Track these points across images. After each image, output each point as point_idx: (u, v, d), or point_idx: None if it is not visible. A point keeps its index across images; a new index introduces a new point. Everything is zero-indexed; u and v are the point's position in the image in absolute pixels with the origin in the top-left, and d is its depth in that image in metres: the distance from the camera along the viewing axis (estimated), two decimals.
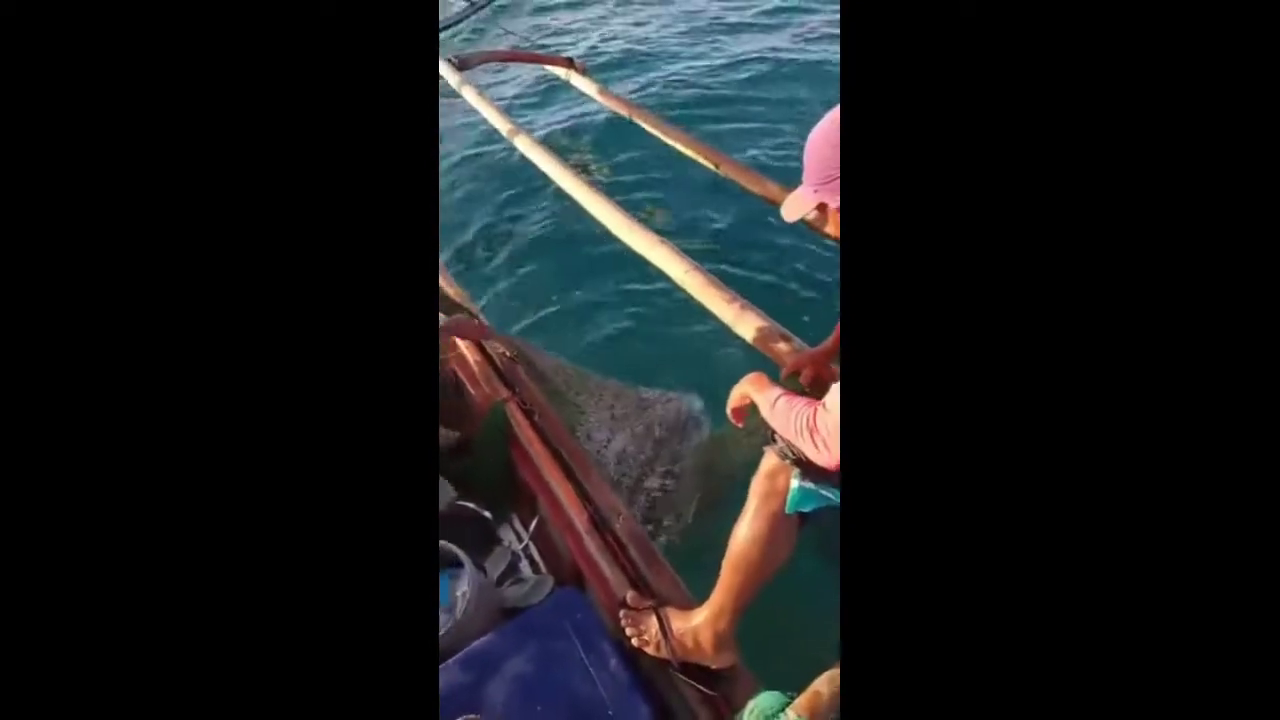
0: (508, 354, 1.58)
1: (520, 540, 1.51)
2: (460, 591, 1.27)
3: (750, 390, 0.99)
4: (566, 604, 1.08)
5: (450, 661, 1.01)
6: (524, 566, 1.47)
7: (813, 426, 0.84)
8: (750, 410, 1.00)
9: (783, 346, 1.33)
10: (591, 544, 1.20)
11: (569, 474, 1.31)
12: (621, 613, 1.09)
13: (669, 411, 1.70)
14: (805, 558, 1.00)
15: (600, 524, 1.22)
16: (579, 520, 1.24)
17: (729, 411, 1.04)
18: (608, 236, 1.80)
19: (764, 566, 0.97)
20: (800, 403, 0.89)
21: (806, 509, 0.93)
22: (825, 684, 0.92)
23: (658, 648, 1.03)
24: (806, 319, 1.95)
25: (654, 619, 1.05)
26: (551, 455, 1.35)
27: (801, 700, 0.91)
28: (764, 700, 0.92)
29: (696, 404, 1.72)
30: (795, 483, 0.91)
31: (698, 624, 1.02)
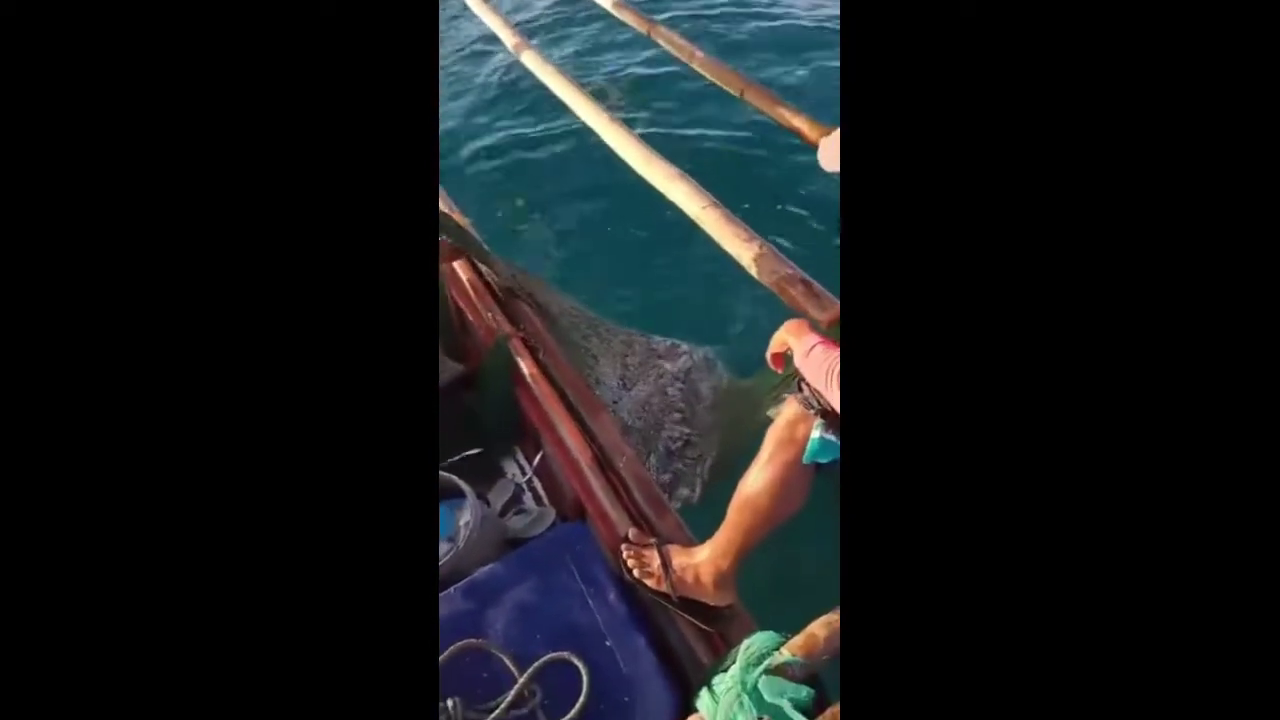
0: (513, 288, 1.53)
1: (524, 473, 1.52)
2: (463, 521, 1.29)
3: (788, 336, 0.96)
4: (568, 538, 1.09)
5: (453, 589, 1.03)
6: (527, 499, 1.49)
7: (838, 374, 0.82)
8: (788, 358, 0.98)
9: (803, 291, 1.29)
10: (595, 482, 1.21)
11: (573, 412, 1.30)
12: (623, 547, 1.10)
13: (682, 361, 1.67)
14: (817, 509, 1.00)
15: (604, 463, 1.22)
16: (583, 458, 1.24)
17: (768, 357, 1.01)
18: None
19: (773, 513, 0.97)
20: (835, 351, 0.86)
21: (823, 460, 0.91)
22: (821, 627, 0.94)
23: (658, 581, 1.05)
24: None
25: (655, 554, 1.06)
26: (556, 393, 1.33)
27: (797, 641, 0.93)
28: (759, 639, 0.94)
29: (709, 353, 1.69)
30: (817, 433, 0.90)
31: (699, 561, 1.03)
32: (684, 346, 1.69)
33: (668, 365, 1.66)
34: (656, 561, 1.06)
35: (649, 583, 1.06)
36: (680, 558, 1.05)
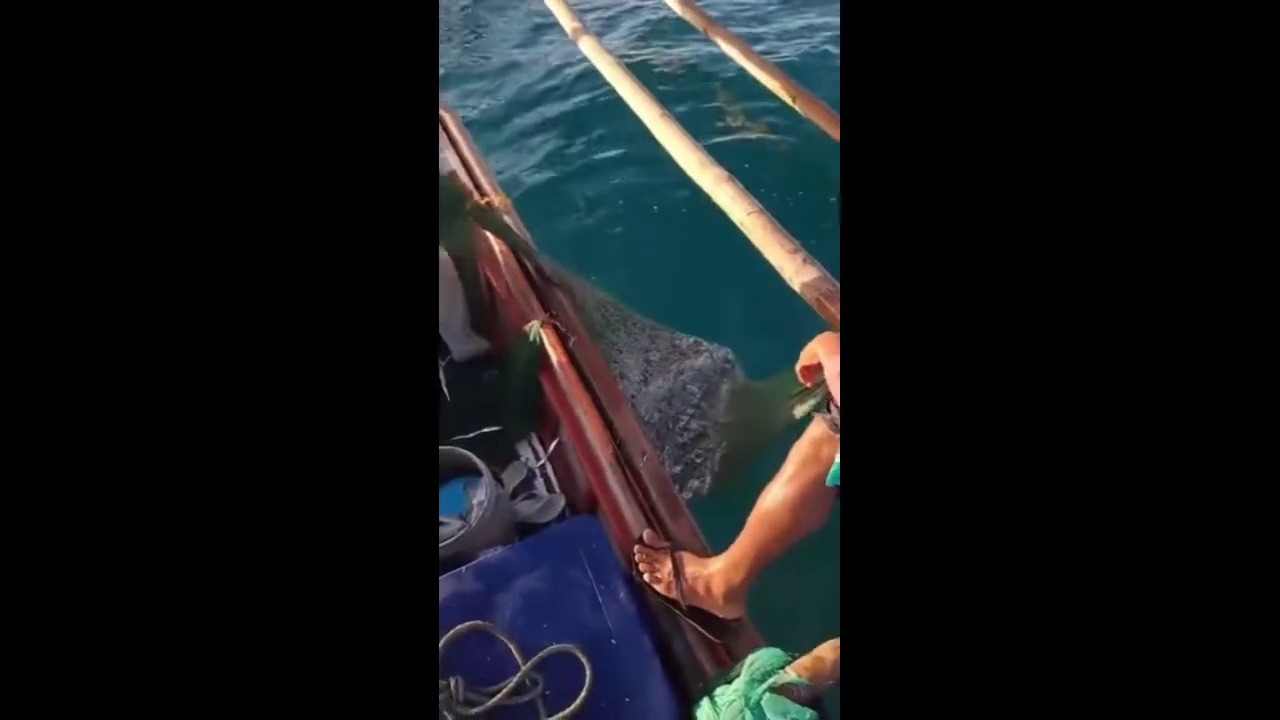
0: (552, 277, 1.52)
1: (538, 458, 1.52)
2: (477, 500, 1.29)
3: (820, 350, 0.95)
4: (583, 532, 1.09)
5: (464, 569, 1.03)
6: (538, 484, 1.49)
7: None
8: (818, 373, 0.97)
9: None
10: (613, 478, 1.20)
11: (598, 406, 1.29)
12: (636, 549, 1.10)
13: (702, 360, 1.66)
14: (835, 531, 0.99)
15: (623, 460, 1.22)
16: (603, 453, 1.23)
17: (798, 370, 1.00)
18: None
19: (792, 531, 0.96)
20: None
21: None
22: (830, 650, 0.93)
23: (668, 588, 1.04)
24: None
25: (668, 559, 1.06)
26: (582, 385, 1.32)
27: (804, 661, 0.92)
28: (765, 656, 0.94)
29: (729, 354, 1.68)
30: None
31: (711, 572, 1.02)
32: (705, 345, 1.70)
33: (688, 362, 1.67)
34: (668, 567, 1.05)
35: (658, 587, 1.06)
36: (693, 566, 1.04)
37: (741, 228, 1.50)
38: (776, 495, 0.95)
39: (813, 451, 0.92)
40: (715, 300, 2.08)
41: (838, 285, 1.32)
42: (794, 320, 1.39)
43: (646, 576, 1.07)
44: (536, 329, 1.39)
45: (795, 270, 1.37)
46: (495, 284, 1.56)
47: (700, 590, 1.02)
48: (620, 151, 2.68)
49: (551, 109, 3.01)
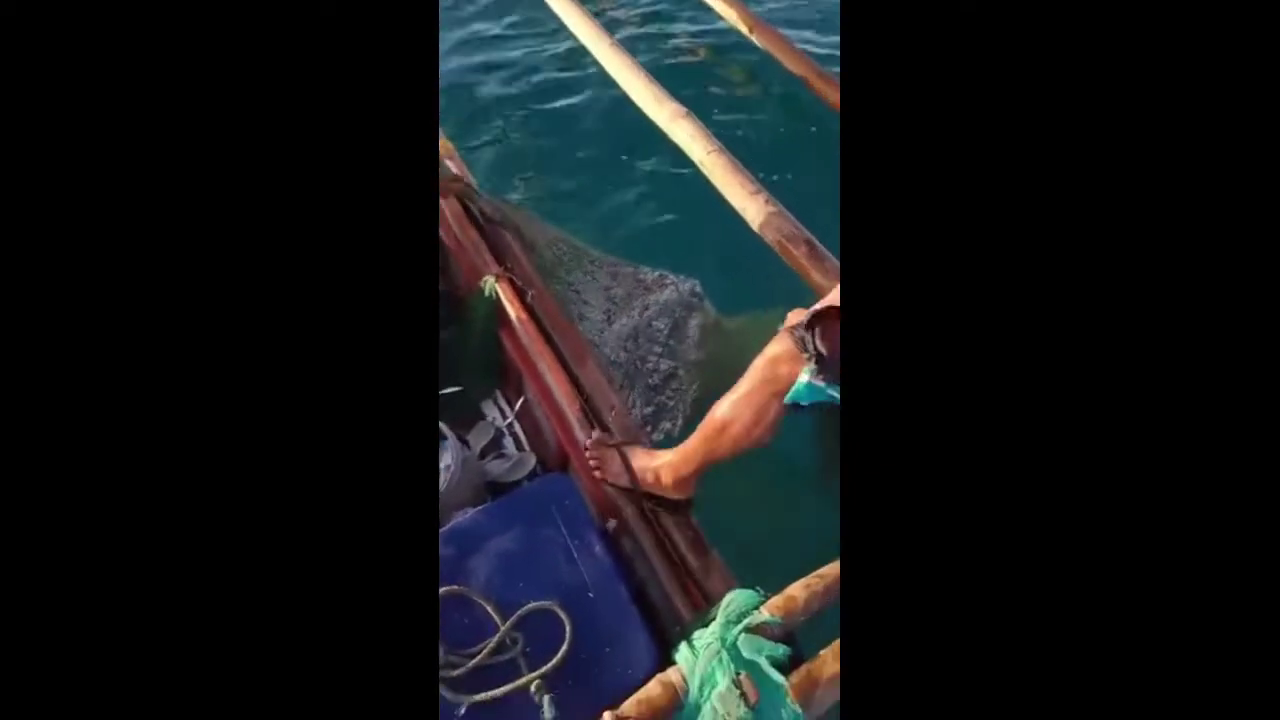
0: (498, 219, 1.44)
1: (504, 417, 1.49)
2: (444, 464, 1.26)
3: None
4: (555, 489, 1.08)
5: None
6: (507, 443, 1.46)
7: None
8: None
9: (806, 253, 1.25)
10: (582, 434, 1.19)
11: (561, 360, 1.26)
12: (586, 446, 1.12)
13: (668, 293, 1.62)
14: (797, 450, 1.01)
15: (592, 415, 1.20)
16: (570, 410, 1.21)
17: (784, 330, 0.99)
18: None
19: (740, 442, 1.00)
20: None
21: (804, 402, 0.93)
22: (800, 589, 0.96)
23: (618, 478, 1.09)
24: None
25: (616, 454, 1.10)
26: (544, 339, 1.28)
27: (776, 601, 0.95)
28: (739, 598, 0.96)
29: (696, 286, 1.64)
30: (805, 376, 0.90)
31: (659, 464, 1.07)
32: (671, 278, 1.65)
33: (654, 296, 1.62)
34: (618, 461, 1.09)
35: (609, 478, 1.10)
36: (641, 459, 1.08)
37: (701, 166, 1.44)
38: (730, 410, 0.99)
39: (771, 370, 0.94)
40: (680, 242, 2.02)
41: (801, 228, 1.29)
42: (760, 260, 1.36)
43: (597, 471, 1.11)
44: (491, 284, 1.33)
45: (757, 212, 1.33)
46: (444, 235, 1.47)
47: (649, 479, 1.07)
48: (571, 88, 2.52)
49: (495, 48, 2.79)
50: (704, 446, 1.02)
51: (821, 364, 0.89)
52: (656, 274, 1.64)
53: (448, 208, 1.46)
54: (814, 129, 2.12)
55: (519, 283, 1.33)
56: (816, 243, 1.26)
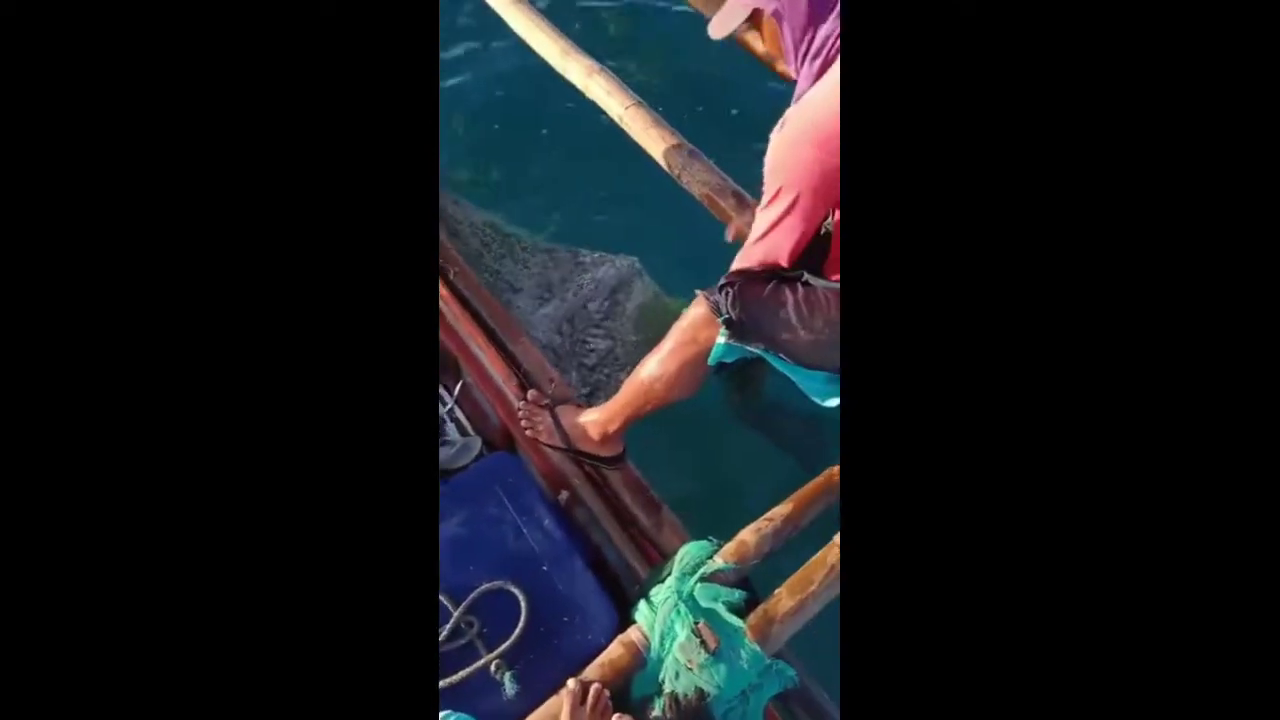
0: None
1: (445, 404, 1.45)
2: None
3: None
4: (497, 468, 1.06)
5: None
6: (449, 429, 1.42)
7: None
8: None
9: (734, 204, 1.23)
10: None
11: (493, 338, 1.22)
12: (518, 407, 1.13)
13: (607, 273, 1.59)
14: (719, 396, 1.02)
15: (531, 389, 1.17)
16: (508, 386, 1.18)
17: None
18: None
19: (663, 399, 1.02)
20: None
21: (729, 360, 0.95)
22: (751, 534, 0.98)
23: (550, 435, 1.11)
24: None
25: (547, 413, 1.11)
26: (471, 317, 1.24)
27: (729, 548, 0.97)
28: (692, 549, 0.97)
29: (636, 264, 1.61)
30: (722, 339, 0.92)
31: (586, 422, 1.09)
32: (608, 256, 1.60)
33: (589, 275, 1.58)
34: (548, 419, 1.11)
35: (542, 437, 1.11)
36: (570, 417, 1.10)
37: (620, 123, 1.39)
38: (654, 368, 1.01)
39: (691, 334, 0.96)
40: (615, 217, 1.95)
41: (727, 179, 1.27)
42: (699, 234, 1.33)
43: (529, 430, 1.12)
44: None
45: (682, 165, 1.30)
46: None
47: (578, 435, 1.09)
48: (476, 52, 2.37)
49: None
50: (629, 405, 1.04)
51: (733, 328, 0.90)
52: (596, 254, 1.59)
53: None
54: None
55: (440, 262, 1.27)
56: (745, 193, 1.24)
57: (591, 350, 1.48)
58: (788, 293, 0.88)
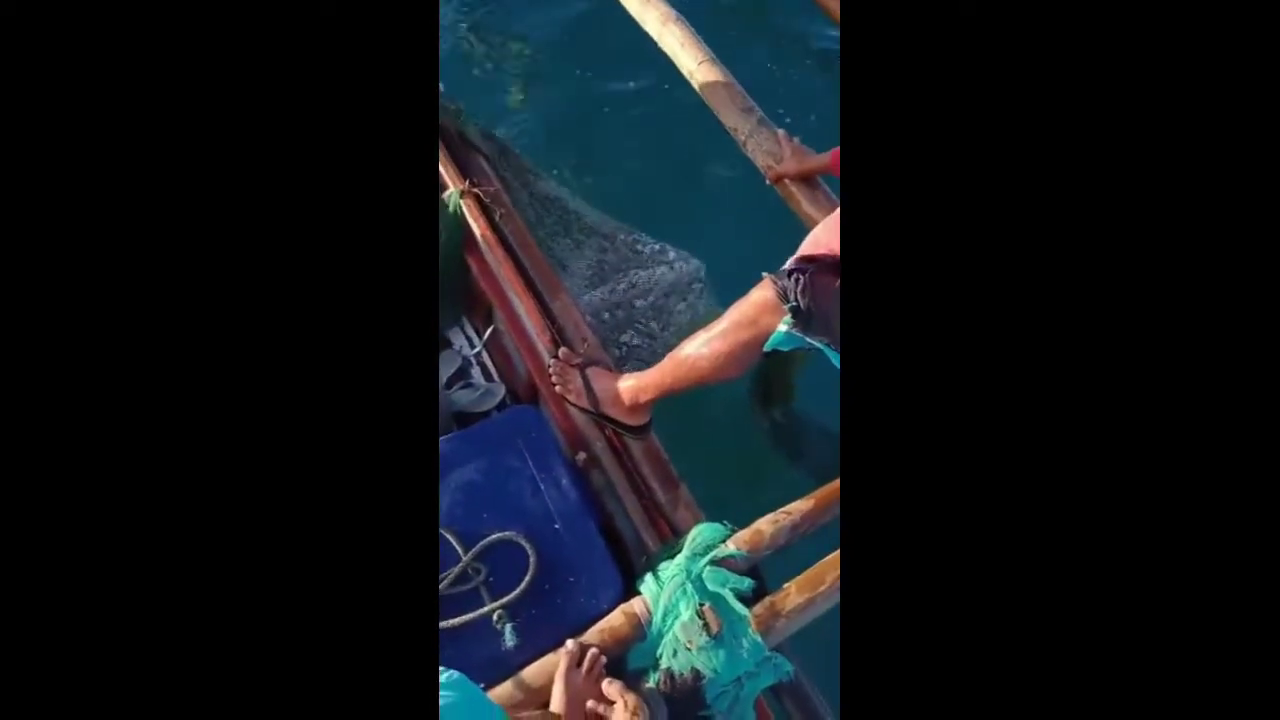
0: (474, 143, 1.32)
1: (472, 346, 1.43)
2: None
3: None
4: (521, 421, 1.05)
5: None
6: (475, 373, 1.41)
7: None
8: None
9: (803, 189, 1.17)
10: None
11: (532, 289, 1.19)
12: (549, 363, 1.10)
13: (665, 275, 1.45)
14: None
15: (563, 347, 1.15)
16: (540, 340, 1.15)
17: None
18: None
19: (708, 378, 0.98)
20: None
21: (785, 349, 0.91)
22: (768, 524, 0.96)
23: (579, 396, 1.07)
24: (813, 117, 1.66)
25: (578, 373, 1.08)
26: (514, 265, 1.21)
27: (743, 535, 0.95)
28: (706, 531, 0.96)
29: (700, 271, 1.46)
30: (784, 327, 0.88)
31: (619, 388, 1.05)
32: (674, 254, 1.48)
33: (645, 274, 1.45)
34: (579, 380, 1.07)
35: (570, 397, 1.08)
36: (602, 381, 1.07)
37: (690, 79, 1.32)
38: (701, 345, 0.96)
39: (752, 316, 0.91)
40: (687, 193, 1.82)
41: (794, 139, 1.20)
42: (771, 217, 1.26)
43: (558, 387, 1.09)
44: (455, 198, 1.23)
45: (749, 133, 1.24)
46: None
47: (608, 400, 1.06)
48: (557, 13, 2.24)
49: None
50: (668, 379, 1.00)
51: (799, 317, 0.85)
52: (657, 246, 1.47)
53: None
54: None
55: (486, 200, 1.23)
56: (820, 183, 1.18)
57: (623, 344, 1.42)
58: None
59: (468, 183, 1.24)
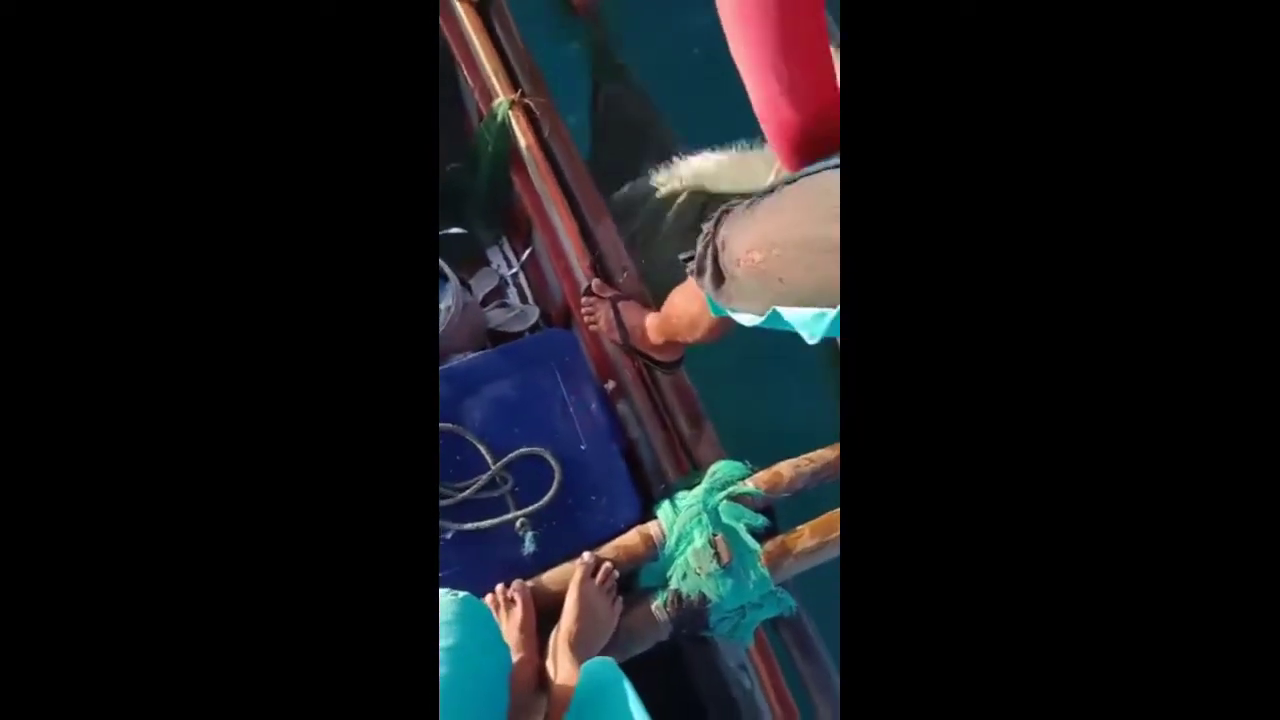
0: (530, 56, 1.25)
1: (510, 266, 1.43)
2: (444, 305, 1.23)
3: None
4: (557, 343, 1.06)
5: None
6: (511, 293, 1.42)
7: None
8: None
9: None
10: None
11: (576, 213, 1.17)
12: (582, 298, 1.11)
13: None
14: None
15: (602, 275, 1.14)
16: (579, 265, 1.15)
17: None
18: None
19: (682, 335, 0.96)
20: None
21: (767, 327, 0.84)
22: (788, 467, 0.98)
23: (610, 329, 1.08)
24: None
25: (610, 306, 1.08)
26: (559, 187, 1.18)
27: (763, 475, 0.97)
28: (726, 467, 0.98)
29: None
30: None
31: (647, 324, 1.05)
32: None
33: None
34: (609, 312, 1.08)
35: (601, 331, 1.09)
36: (633, 315, 1.06)
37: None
38: (680, 295, 0.93)
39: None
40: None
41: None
42: None
43: (589, 321, 1.10)
44: (504, 108, 1.19)
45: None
46: (460, 59, 1.30)
47: (638, 335, 1.06)
48: None
49: None
50: (668, 324, 0.98)
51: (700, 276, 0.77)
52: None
53: (468, 20, 1.26)
54: None
55: (537, 113, 1.19)
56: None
57: None
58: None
59: (519, 93, 1.19)
